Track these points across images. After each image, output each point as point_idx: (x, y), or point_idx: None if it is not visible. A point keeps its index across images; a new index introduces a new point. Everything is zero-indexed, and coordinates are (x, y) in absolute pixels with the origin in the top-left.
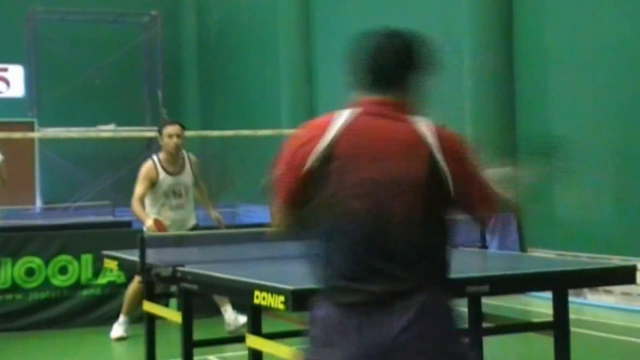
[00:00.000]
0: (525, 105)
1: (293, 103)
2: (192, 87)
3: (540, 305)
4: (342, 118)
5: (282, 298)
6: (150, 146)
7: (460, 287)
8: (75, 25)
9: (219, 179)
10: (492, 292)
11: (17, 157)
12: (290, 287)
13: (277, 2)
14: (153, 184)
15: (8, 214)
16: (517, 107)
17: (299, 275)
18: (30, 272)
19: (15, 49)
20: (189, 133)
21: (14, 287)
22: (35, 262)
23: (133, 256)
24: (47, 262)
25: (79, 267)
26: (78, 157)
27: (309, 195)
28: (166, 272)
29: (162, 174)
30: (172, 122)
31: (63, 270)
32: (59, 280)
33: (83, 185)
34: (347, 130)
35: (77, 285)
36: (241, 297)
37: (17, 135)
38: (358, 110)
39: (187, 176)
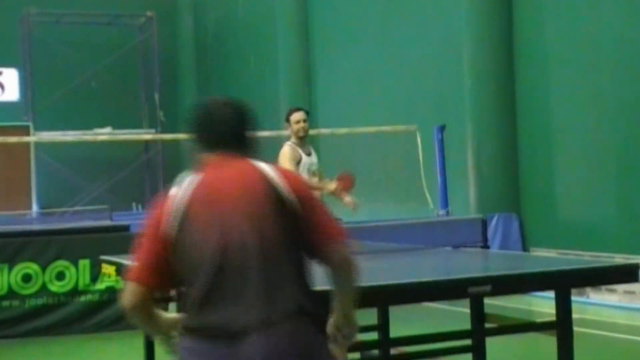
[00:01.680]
0: (526, 104)
1: (292, 104)
2: (190, 89)
3: (542, 305)
4: (186, 180)
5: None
6: (147, 149)
7: (462, 287)
8: (70, 27)
9: None
10: (494, 293)
11: (12, 161)
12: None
13: (275, 2)
14: (297, 163)
15: (4, 220)
16: (518, 107)
17: None
18: (27, 278)
19: (10, 52)
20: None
21: (11, 294)
22: (32, 268)
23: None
24: (44, 268)
25: (77, 273)
26: (74, 161)
27: (167, 260)
28: None
29: (302, 155)
30: (297, 109)
31: (60, 276)
32: (56, 286)
33: (80, 190)
34: (196, 185)
35: (75, 291)
36: None
37: (13, 139)
38: (204, 169)
39: (314, 157)
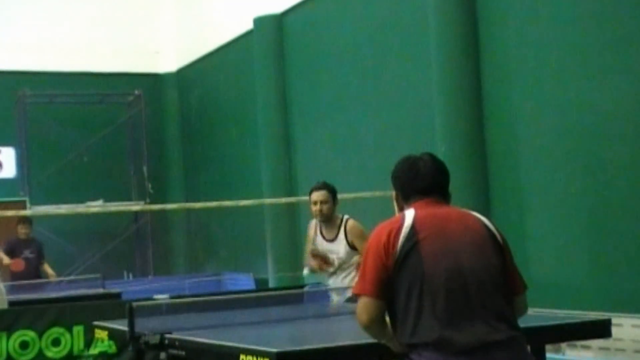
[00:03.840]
0: (497, 167)
1: (273, 174)
2: (176, 161)
3: None
4: (410, 212)
5: None
6: (137, 220)
7: None
8: (62, 106)
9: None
10: None
11: (10, 234)
12: (275, 350)
13: (255, 79)
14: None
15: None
16: (490, 169)
17: (284, 338)
18: (24, 345)
19: (7, 132)
20: (172, 205)
21: None
22: (29, 335)
23: (122, 326)
24: (40, 335)
25: (71, 339)
26: (68, 233)
27: (395, 276)
28: (154, 339)
29: (318, 237)
30: (317, 188)
31: (56, 342)
32: (52, 352)
33: (74, 259)
34: (420, 216)
35: (70, 357)
36: None
37: (10, 213)
38: (416, 208)
39: (340, 245)
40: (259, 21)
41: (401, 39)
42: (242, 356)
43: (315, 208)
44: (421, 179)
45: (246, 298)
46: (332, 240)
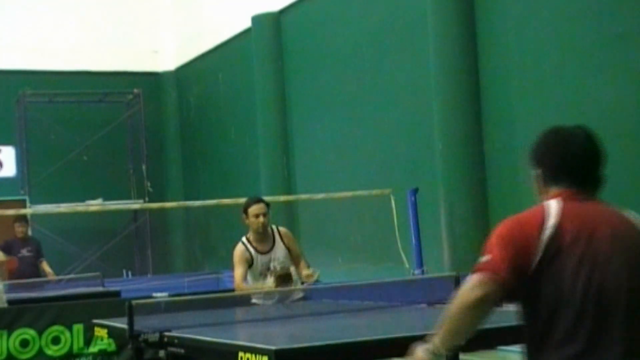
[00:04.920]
0: (494, 166)
1: (271, 172)
2: (175, 160)
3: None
4: (554, 205)
5: (265, 359)
6: (136, 218)
7: None
8: (62, 106)
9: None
10: (466, 348)
11: (9, 233)
12: (273, 347)
13: (253, 77)
14: (250, 265)
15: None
16: (487, 168)
17: (282, 336)
18: (24, 344)
19: (7, 131)
20: (171, 204)
21: (10, 359)
22: (29, 333)
23: (122, 324)
24: (40, 333)
25: (71, 337)
26: (68, 232)
27: (520, 272)
28: (153, 337)
29: (254, 254)
30: (256, 201)
31: (56, 340)
32: (52, 350)
33: (73, 258)
34: (568, 214)
35: (70, 355)
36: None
37: (10, 212)
38: (562, 199)
39: (279, 251)
40: (257, 20)
41: (399, 37)
42: (240, 354)
43: (257, 220)
44: (574, 162)
45: (245, 296)
46: (268, 252)
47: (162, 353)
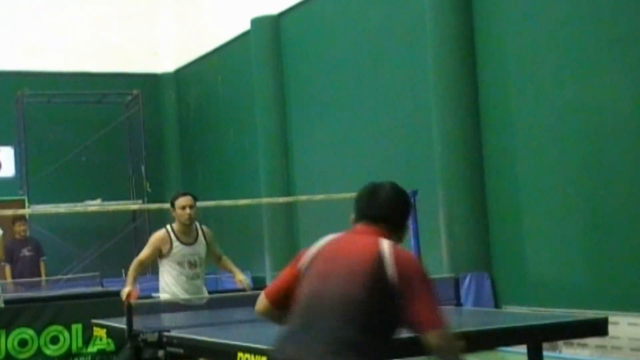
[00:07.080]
0: (493, 168)
1: (270, 174)
2: (174, 161)
3: None
4: (328, 237)
5: (264, 359)
6: (135, 219)
7: None
8: (61, 106)
9: None
10: (469, 349)
11: (8, 233)
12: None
13: (252, 79)
14: (162, 253)
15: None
16: (486, 171)
17: None
18: (23, 343)
19: (6, 131)
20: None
21: (8, 358)
22: (28, 333)
23: (121, 324)
24: (39, 333)
25: (70, 337)
26: (67, 232)
27: (292, 289)
28: (152, 337)
29: (176, 244)
30: (183, 194)
31: (54, 340)
32: (51, 350)
33: (72, 258)
34: (330, 242)
35: (69, 355)
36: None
37: (9, 212)
38: (347, 232)
39: (200, 246)
40: (257, 22)
41: (398, 40)
42: (239, 354)
43: (184, 212)
44: (363, 205)
45: (244, 296)
46: (191, 244)
47: (161, 353)
